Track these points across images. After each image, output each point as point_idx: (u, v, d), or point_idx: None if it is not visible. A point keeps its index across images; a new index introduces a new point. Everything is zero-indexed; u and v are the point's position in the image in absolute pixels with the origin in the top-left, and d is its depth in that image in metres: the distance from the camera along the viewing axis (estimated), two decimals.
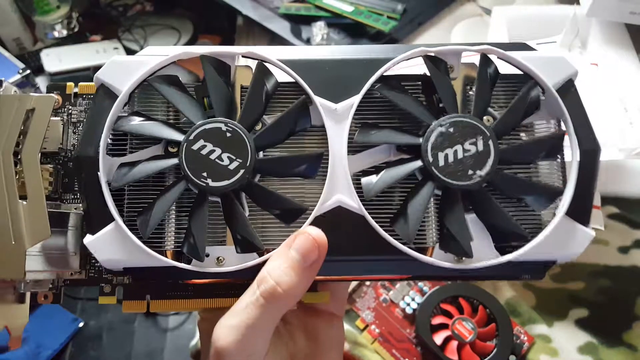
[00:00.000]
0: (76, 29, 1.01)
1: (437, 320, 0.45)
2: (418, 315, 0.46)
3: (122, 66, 0.25)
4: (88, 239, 0.23)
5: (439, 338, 0.45)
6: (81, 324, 1.01)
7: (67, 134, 0.28)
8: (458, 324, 0.45)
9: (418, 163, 0.23)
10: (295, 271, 0.21)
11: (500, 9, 0.63)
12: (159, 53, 0.25)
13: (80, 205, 0.27)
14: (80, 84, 0.29)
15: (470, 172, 0.23)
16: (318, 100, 0.24)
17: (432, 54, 0.25)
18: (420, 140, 0.23)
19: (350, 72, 0.25)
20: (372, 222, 0.23)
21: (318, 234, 0.22)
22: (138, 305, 0.27)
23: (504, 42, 0.24)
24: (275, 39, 0.72)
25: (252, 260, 0.24)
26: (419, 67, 0.25)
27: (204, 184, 0.23)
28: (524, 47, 0.26)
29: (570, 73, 0.25)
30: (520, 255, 0.23)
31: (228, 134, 0.23)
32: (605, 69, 0.51)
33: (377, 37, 0.69)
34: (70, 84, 0.29)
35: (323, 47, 0.26)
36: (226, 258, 0.24)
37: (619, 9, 0.52)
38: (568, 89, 0.25)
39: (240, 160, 0.23)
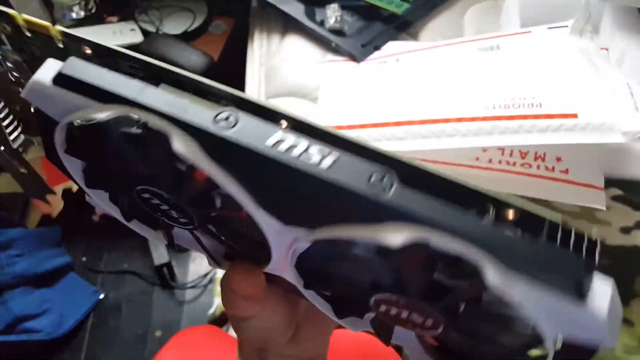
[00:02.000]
0: (93, 10, 1.03)
1: None
2: None
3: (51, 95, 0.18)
4: None
5: None
6: (101, 296, 1.06)
7: None
8: None
9: None
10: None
11: None
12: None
13: None
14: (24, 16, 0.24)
15: None
16: (262, 218, 0.18)
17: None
18: None
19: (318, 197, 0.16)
20: None
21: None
22: None
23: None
24: (289, 22, 0.73)
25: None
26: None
27: None
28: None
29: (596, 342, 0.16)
30: None
31: None
32: (615, 53, 0.52)
33: (391, 19, 0.70)
34: (13, 13, 0.24)
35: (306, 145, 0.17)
36: None
37: None
38: None
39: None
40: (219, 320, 0.57)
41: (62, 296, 1.01)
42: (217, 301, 0.61)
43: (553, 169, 0.48)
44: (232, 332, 0.53)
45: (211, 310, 0.59)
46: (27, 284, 0.99)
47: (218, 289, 0.67)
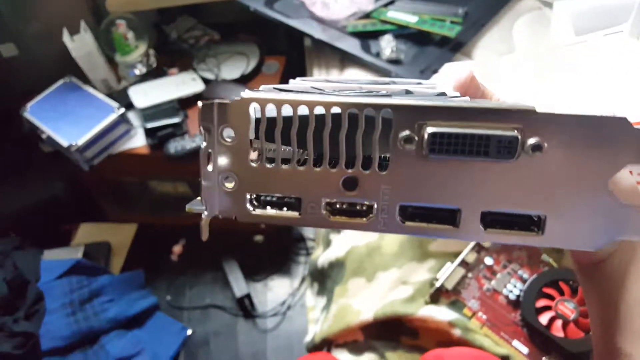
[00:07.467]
0: (154, 65, 1.10)
1: (541, 303, 0.50)
2: (523, 300, 0.50)
3: None
4: None
5: (544, 319, 0.49)
6: (189, 332, 1.11)
7: None
8: (560, 304, 0.49)
9: None
10: None
11: (562, 3, 0.66)
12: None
13: None
14: None
15: None
16: None
17: None
18: None
19: None
20: None
21: None
22: None
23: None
24: (345, 57, 0.77)
25: None
26: None
27: None
28: None
29: None
30: None
31: None
32: None
33: (443, 42, 0.73)
34: None
35: None
36: None
37: None
38: None
39: None
40: (318, 348, 0.60)
41: (153, 335, 1.07)
42: (312, 328, 0.65)
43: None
44: (338, 355, 0.56)
45: (308, 338, 0.62)
46: (119, 327, 1.06)
47: (311, 315, 0.71)
